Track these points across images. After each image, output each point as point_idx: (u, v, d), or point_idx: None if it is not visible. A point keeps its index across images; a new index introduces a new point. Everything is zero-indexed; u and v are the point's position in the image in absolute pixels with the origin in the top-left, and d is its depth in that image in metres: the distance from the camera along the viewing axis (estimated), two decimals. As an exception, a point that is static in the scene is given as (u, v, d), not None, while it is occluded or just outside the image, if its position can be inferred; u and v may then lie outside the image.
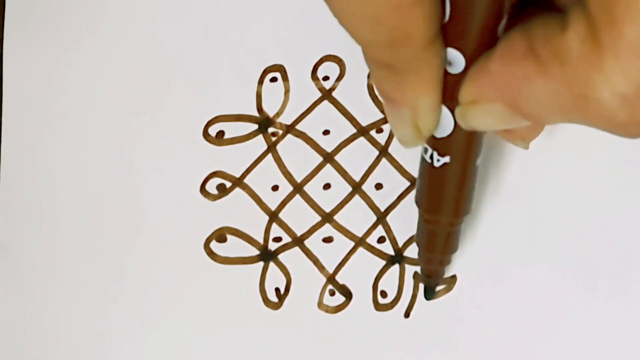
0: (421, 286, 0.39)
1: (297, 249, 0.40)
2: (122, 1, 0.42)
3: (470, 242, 0.39)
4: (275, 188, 0.40)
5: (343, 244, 0.40)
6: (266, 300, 0.39)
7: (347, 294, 0.39)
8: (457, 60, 0.25)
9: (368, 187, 0.40)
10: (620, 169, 0.39)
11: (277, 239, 0.40)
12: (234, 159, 0.41)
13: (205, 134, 0.41)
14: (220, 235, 0.40)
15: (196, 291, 0.40)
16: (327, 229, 0.40)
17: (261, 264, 0.40)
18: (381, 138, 0.40)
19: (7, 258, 0.41)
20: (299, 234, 0.40)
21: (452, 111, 0.27)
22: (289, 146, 0.41)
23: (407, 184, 0.40)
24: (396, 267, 0.39)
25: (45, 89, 0.42)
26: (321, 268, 0.40)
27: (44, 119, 0.41)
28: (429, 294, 0.39)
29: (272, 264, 0.40)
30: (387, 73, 0.26)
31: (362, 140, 0.40)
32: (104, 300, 0.40)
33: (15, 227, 0.41)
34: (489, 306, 0.39)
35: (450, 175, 0.31)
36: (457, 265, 0.39)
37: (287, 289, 0.40)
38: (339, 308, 0.39)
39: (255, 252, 0.40)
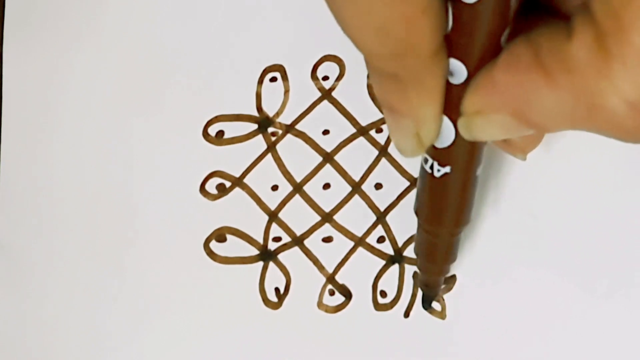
0: (419, 291, 0.39)
1: (296, 248, 0.40)
2: (122, 1, 0.42)
3: (471, 242, 0.39)
4: (274, 188, 0.40)
5: (343, 244, 0.40)
6: (266, 300, 0.39)
7: (347, 294, 0.39)
8: (459, 70, 0.25)
9: (368, 187, 0.40)
10: (619, 170, 0.39)
11: (277, 239, 0.40)
12: (233, 159, 0.41)
13: (205, 133, 0.41)
14: (219, 235, 0.40)
15: (196, 291, 0.40)
16: (327, 229, 0.40)
17: (261, 263, 0.40)
18: (381, 138, 0.40)
19: (7, 258, 0.41)
20: (298, 233, 0.40)
21: (453, 121, 0.27)
22: (288, 146, 0.41)
23: (407, 183, 0.40)
24: (396, 266, 0.39)
25: (45, 88, 0.42)
26: (321, 268, 0.40)
27: (43, 119, 0.41)
28: (427, 304, 0.39)
29: (271, 264, 0.40)
30: (390, 82, 0.26)
31: (361, 140, 0.40)
32: (103, 299, 0.40)
33: (15, 227, 0.41)
34: (488, 306, 0.39)
35: (451, 185, 0.31)
36: (457, 265, 0.39)
37: (286, 288, 0.40)
38: (338, 308, 0.39)
39: (254, 252, 0.40)
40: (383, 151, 0.40)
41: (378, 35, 0.23)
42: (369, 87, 0.41)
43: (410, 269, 0.39)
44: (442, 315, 0.39)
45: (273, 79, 0.41)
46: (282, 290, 0.40)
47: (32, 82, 0.42)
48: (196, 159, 0.41)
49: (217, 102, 0.41)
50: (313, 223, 0.40)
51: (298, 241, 0.40)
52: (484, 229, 0.39)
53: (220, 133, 0.41)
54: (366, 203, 0.40)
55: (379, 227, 0.40)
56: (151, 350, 0.40)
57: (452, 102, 0.26)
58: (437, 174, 0.30)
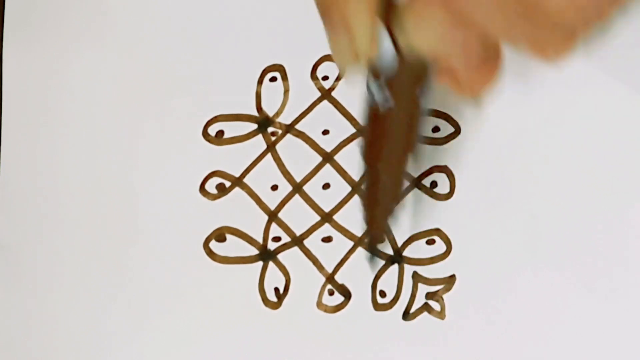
0: (420, 288, 0.39)
1: (296, 248, 0.40)
2: (122, 1, 0.42)
3: (470, 242, 0.39)
4: (274, 188, 0.40)
5: (342, 244, 0.40)
6: (265, 300, 0.39)
7: (346, 294, 0.39)
8: None
9: (367, 186, 0.40)
10: (620, 169, 0.39)
11: (277, 239, 0.40)
12: (233, 159, 0.41)
13: (205, 133, 0.41)
14: (219, 235, 0.40)
15: (195, 290, 0.40)
16: (327, 229, 0.40)
17: (260, 263, 0.40)
18: (381, 138, 0.40)
19: (7, 258, 0.41)
20: (298, 233, 0.40)
21: (390, 33, 0.27)
22: (288, 146, 0.41)
23: (407, 183, 0.40)
24: (395, 266, 0.39)
25: (45, 89, 0.42)
26: (320, 268, 0.40)
27: (43, 119, 0.42)
28: (372, 250, 0.38)
29: (271, 264, 0.40)
30: None
31: (361, 140, 0.40)
32: (103, 299, 0.40)
33: (15, 227, 0.41)
34: (487, 306, 0.39)
35: (395, 119, 0.30)
36: (456, 265, 0.39)
37: (286, 288, 0.40)
38: (338, 308, 0.39)
39: (254, 251, 0.40)
40: (383, 151, 0.40)
41: None
42: (369, 87, 0.41)
43: (409, 269, 0.39)
44: (441, 315, 0.39)
45: (273, 79, 0.41)
46: (281, 290, 0.40)
47: (32, 82, 0.42)
48: (196, 159, 0.41)
49: (217, 102, 0.41)
50: (313, 223, 0.40)
51: (298, 241, 0.40)
52: (484, 229, 0.39)
53: (220, 133, 0.41)
54: (366, 203, 0.40)
55: (379, 227, 0.40)
56: (151, 350, 0.40)
57: (390, 13, 0.26)
58: (381, 108, 0.30)
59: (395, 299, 0.39)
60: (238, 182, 0.41)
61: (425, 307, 0.39)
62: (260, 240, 0.40)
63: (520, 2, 0.23)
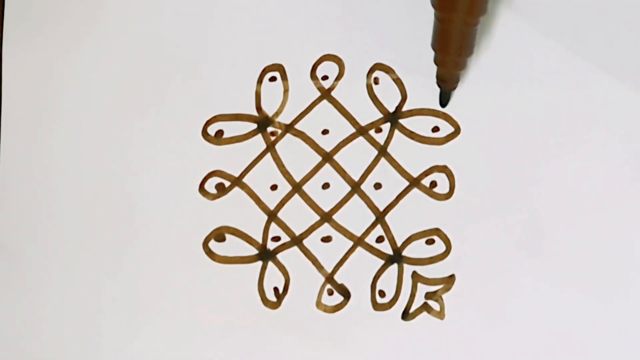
0: (420, 287, 0.39)
1: (295, 248, 0.40)
2: (121, 1, 0.42)
3: (469, 242, 0.39)
4: (274, 187, 0.40)
5: (342, 244, 0.40)
6: (265, 300, 0.40)
7: (346, 294, 0.39)
8: None
9: (367, 186, 0.40)
10: (620, 169, 0.39)
11: (276, 239, 0.40)
12: (232, 158, 0.41)
13: (204, 133, 0.41)
14: (219, 235, 0.40)
15: (195, 290, 0.40)
16: (326, 229, 0.40)
17: (260, 263, 0.40)
18: (380, 138, 0.40)
19: (7, 257, 0.41)
20: (297, 233, 0.40)
21: None
22: (287, 145, 0.41)
23: (406, 183, 0.40)
24: (394, 266, 0.39)
25: (44, 88, 0.42)
26: (320, 267, 0.40)
27: (43, 119, 0.42)
28: (444, 99, 0.39)
29: (270, 264, 0.40)
30: None
31: (361, 139, 0.40)
32: (103, 298, 0.40)
33: (15, 227, 0.41)
34: (487, 306, 0.39)
35: None
36: (456, 265, 0.39)
37: (285, 288, 0.40)
38: (337, 307, 0.39)
39: (254, 251, 0.40)
40: (382, 151, 0.40)
41: None
42: (369, 86, 0.41)
43: (409, 269, 0.39)
44: (440, 315, 0.39)
45: (272, 79, 0.41)
46: (281, 290, 0.40)
47: (32, 82, 0.42)
48: (195, 159, 0.41)
49: (217, 101, 0.41)
50: (312, 223, 0.40)
51: (297, 241, 0.40)
52: (484, 228, 0.39)
53: (220, 132, 0.41)
54: (365, 203, 0.40)
55: (378, 227, 0.40)
56: (150, 350, 0.40)
57: None
58: None
59: (395, 298, 0.39)
60: (237, 181, 0.41)
61: (425, 307, 0.39)
62: (260, 240, 0.40)
63: None
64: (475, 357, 0.38)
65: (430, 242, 0.39)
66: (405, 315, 0.39)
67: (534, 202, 0.39)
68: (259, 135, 0.41)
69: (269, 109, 0.41)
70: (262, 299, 0.39)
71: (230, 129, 0.41)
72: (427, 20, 0.38)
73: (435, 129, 0.40)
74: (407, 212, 0.40)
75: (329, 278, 0.39)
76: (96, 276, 0.40)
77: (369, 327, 0.39)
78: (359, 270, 0.39)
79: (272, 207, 0.40)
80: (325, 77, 0.41)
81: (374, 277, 0.39)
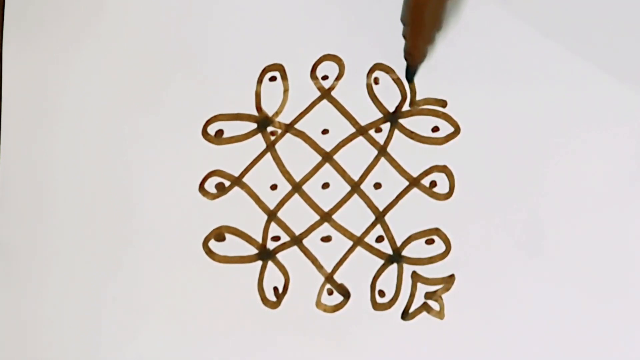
0: (419, 287, 0.39)
1: (295, 248, 0.40)
2: (121, 1, 0.42)
3: (469, 242, 0.39)
4: (274, 187, 0.40)
5: (341, 243, 0.40)
6: (264, 299, 0.39)
7: (345, 293, 0.39)
8: None
9: (367, 186, 0.40)
10: (620, 169, 0.39)
11: (276, 238, 0.40)
12: (232, 158, 0.41)
13: (205, 132, 0.41)
14: (218, 234, 0.40)
15: (194, 290, 0.40)
16: (326, 228, 0.40)
17: (259, 263, 0.40)
18: (380, 137, 0.40)
19: (7, 258, 0.41)
20: (297, 233, 0.40)
21: None
22: (287, 145, 0.41)
23: (406, 183, 0.40)
24: (394, 266, 0.39)
25: (44, 88, 0.42)
26: (319, 267, 0.40)
27: (43, 119, 0.42)
28: (410, 74, 0.40)
29: (270, 263, 0.40)
30: None
31: (361, 139, 0.40)
32: (103, 298, 0.40)
33: (15, 227, 0.41)
34: (486, 306, 0.39)
35: None
36: (456, 265, 0.39)
37: (285, 288, 0.40)
38: (337, 307, 0.39)
39: (253, 251, 0.40)
40: (382, 151, 0.40)
41: None
42: (369, 86, 0.41)
43: (408, 269, 0.39)
44: (440, 314, 0.39)
45: (272, 78, 0.41)
46: (280, 290, 0.40)
47: (32, 82, 0.42)
48: (195, 158, 0.41)
49: (217, 101, 0.41)
50: (312, 222, 0.40)
51: (297, 240, 0.40)
52: (483, 228, 0.39)
53: (220, 132, 0.41)
54: (365, 202, 0.40)
55: (378, 227, 0.40)
56: (150, 349, 0.40)
57: None
58: None
59: (395, 298, 0.39)
60: (237, 181, 0.41)
61: (425, 307, 0.39)
62: (260, 240, 0.40)
63: None
64: (475, 357, 0.38)
65: (430, 242, 0.39)
66: (405, 315, 0.39)
67: (534, 202, 0.39)
68: (259, 135, 0.41)
69: (269, 109, 0.41)
70: (261, 299, 0.39)
71: (230, 128, 0.41)
72: (427, 20, 0.39)
73: (435, 129, 0.40)
74: (406, 212, 0.40)
75: (329, 278, 0.39)
76: (96, 275, 0.40)
77: (369, 327, 0.39)
78: (359, 270, 0.39)
79: (272, 206, 0.40)
80: (325, 77, 0.41)
81: (374, 277, 0.39)
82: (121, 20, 0.42)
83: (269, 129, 0.41)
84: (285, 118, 0.41)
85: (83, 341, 0.40)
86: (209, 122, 0.41)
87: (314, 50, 0.41)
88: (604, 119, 0.40)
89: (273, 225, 0.40)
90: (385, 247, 0.39)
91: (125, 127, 0.41)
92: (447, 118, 0.40)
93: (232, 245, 0.40)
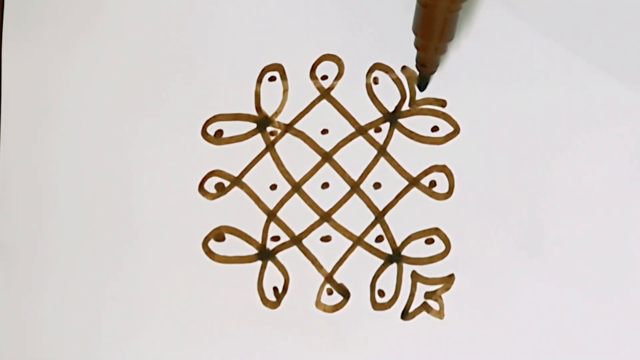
0: (419, 287, 0.39)
1: (295, 248, 0.40)
2: (121, 1, 0.42)
3: (469, 241, 0.39)
4: (273, 187, 0.40)
5: (341, 243, 0.40)
6: (264, 299, 0.40)
7: (345, 293, 0.39)
8: None
9: (366, 186, 0.40)
10: (620, 169, 0.39)
11: (275, 238, 0.40)
12: (232, 158, 0.41)
13: (204, 132, 0.41)
14: (218, 234, 0.40)
15: (194, 290, 0.40)
16: (326, 228, 0.40)
17: (259, 263, 0.40)
18: (380, 137, 0.40)
19: (7, 258, 0.41)
20: (297, 233, 0.40)
21: None
22: (287, 145, 0.41)
23: (406, 183, 0.40)
24: (394, 266, 0.39)
25: (44, 88, 0.42)
26: (319, 267, 0.40)
27: (42, 119, 0.42)
28: (423, 84, 0.40)
29: (270, 263, 0.40)
30: None
31: (360, 139, 0.40)
32: (102, 298, 0.40)
33: (15, 227, 0.41)
34: (486, 306, 0.39)
35: None
36: (455, 265, 0.39)
37: (285, 288, 0.40)
38: (336, 307, 0.39)
39: (253, 251, 0.40)
40: (382, 151, 0.40)
41: None
42: (368, 86, 0.41)
43: (408, 268, 0.39)
44: (440, 314, 0.39)
45: (272, 78, 0.41)
46: (280, 290, 0.40)
47: (31, 81, 0.42)
48: (195, 158, 0.41)
49: (216, 101, 0.41)
50: (311, 222, 0.40)
51: (296, 240, 0.40)
52: (483, 228, 0.39)
53: (219, 132, 0.41)
54: (365, 202, 0.40)
55: (378, 227, 0.40)
56: (150, 349, 0.40)
57: None
58: None
59: (394, 298, 0.39)
60: (237, 181, 0.41)
61: (424, 307, 0.39)
62: (259, 240, 0.40)
63: None
64: (475, 357, 0.38)
65: (429, 241, 0.39)
66: (405, 314, 0.39)
67: (534, 202, 0.39)
68: (259, 135, 0.41)
69: (269, 109, 0.41)
70: (261, 299, 0.40)
71: (230, 128, 0.41)
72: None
73: (435, 129, 0.40)
74: (406, 212, 0.40)
75: (329, 277, 0.39)
76: (96, 276, 0.40)
77: (369, 327, 0.39)
78: (359, 270, 0.39)
79: (271, 206, 0.40)
80: (324, 77, 0.41)
81: (374, 277, 0.39)
82: (121, 20, 0.42)
83: (269, 129, 0.41)
84: (284, 118, 0.41)
85: (83, 341, 0.40)
86: (208, 122, 0.41)
87: (313, 50, 0.41)
88: (604, 119, 0.40)
89: (273, 225, 0.40)
90: (385, 247, 0.39)
91: (124, 127, 0.41)
92: (447, 118, 0.40)
93: (232, 245, 0.40)
